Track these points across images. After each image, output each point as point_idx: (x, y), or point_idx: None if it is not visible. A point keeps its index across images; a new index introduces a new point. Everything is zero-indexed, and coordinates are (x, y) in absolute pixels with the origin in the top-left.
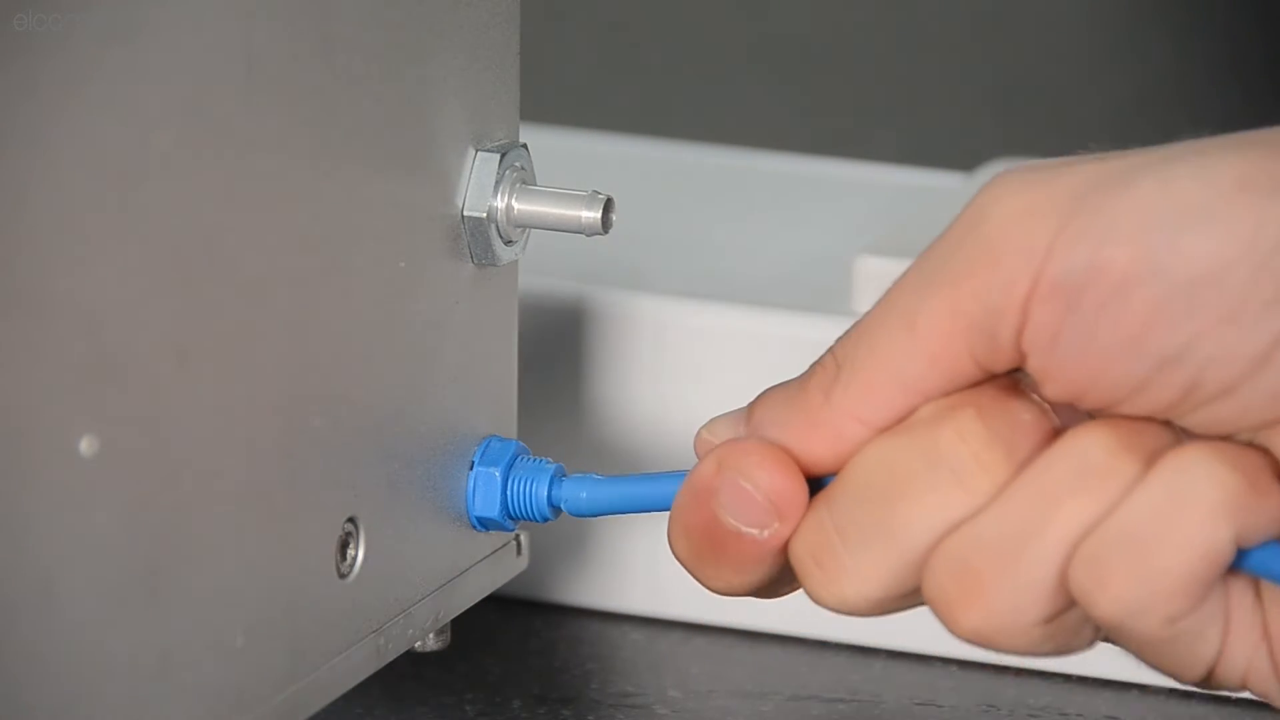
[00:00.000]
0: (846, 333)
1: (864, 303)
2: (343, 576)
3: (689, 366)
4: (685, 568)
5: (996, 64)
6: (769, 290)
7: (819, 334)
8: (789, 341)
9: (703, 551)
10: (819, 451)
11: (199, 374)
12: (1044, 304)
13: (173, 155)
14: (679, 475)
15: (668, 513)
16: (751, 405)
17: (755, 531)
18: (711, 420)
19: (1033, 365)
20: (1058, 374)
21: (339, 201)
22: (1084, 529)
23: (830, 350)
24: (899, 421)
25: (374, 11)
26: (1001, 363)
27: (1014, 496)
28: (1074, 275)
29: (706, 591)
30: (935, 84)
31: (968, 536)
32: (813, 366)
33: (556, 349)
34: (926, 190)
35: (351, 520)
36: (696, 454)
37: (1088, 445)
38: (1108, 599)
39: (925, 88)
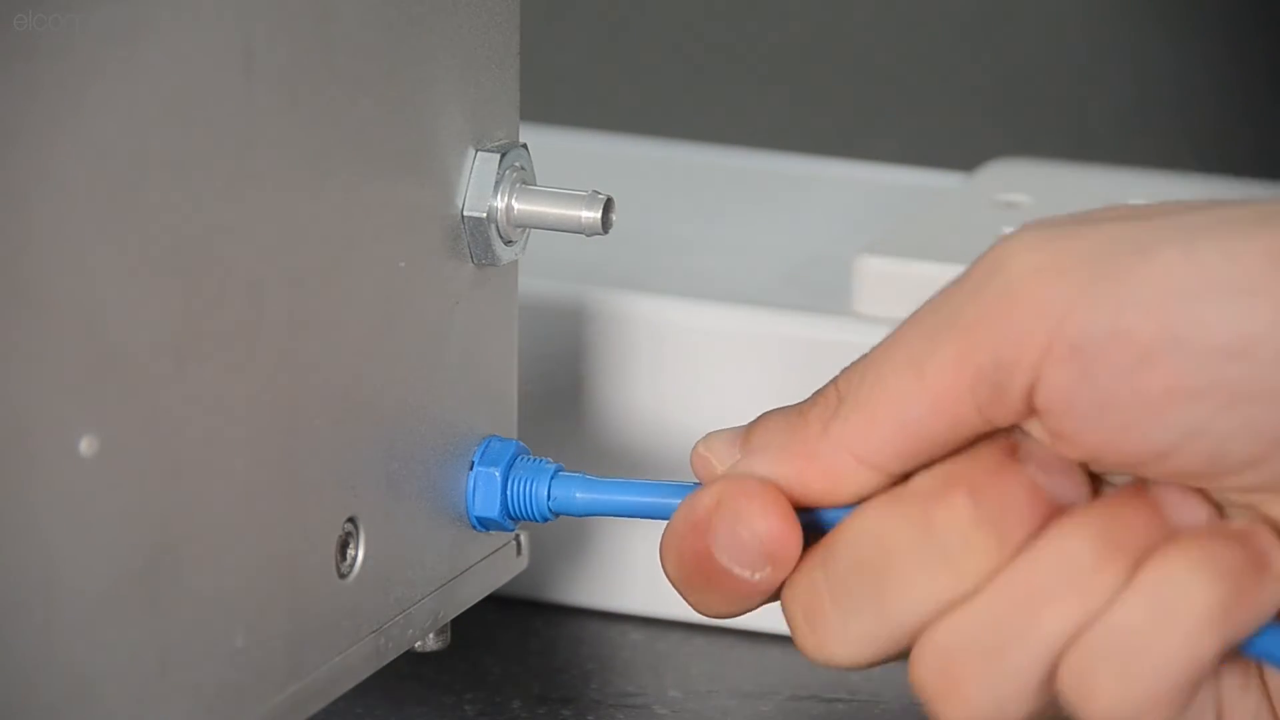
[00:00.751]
0: (851, 365)
1: (864, 303)
2: (343, 576)
3: (688, 366)
4: (674, 587)
5: (996, 64)
6: (769, 290)
7: (819, 334)
8: (789, 341)
9: (693, 579)
10: (812, 484)
11: (199, 374)
12: (1060, 365)
13: (173, 155)
14: (673, 487)
15: (660, 521)
16: (750, 427)
17: (746, 574)
18: (709, 436)
19: (1047, 425)
20: (1072, 437)
21: (339, 201)
22: (1070, 633)
23: (833, 381)
24: (894, 461)
25: (374, 11)
26: (1006, 416)
27: (999, 592)
28: (1093, 341)
29: None
30: (935, 84)
31: (953, 628)
32: (814, 396)
33: (556, 349)
34: (926, 190)
35: (351, 520)
36: (692, 468)
37: (1075, 546)
38: (1096, 710)
39: (925, 88)
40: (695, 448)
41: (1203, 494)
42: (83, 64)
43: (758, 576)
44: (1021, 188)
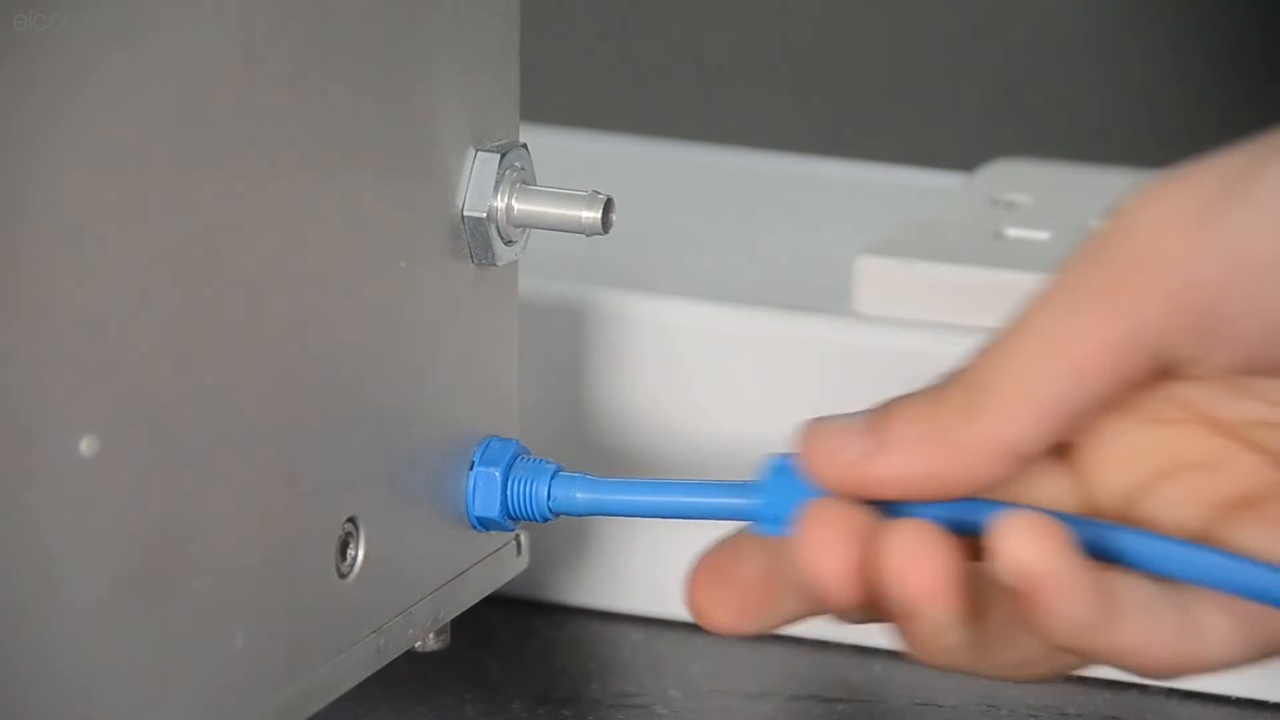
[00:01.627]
0: (984, 349)
1: (864, 303)
2: (343, 576)
3: (689, 366)
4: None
5: (996, 64)
6: (769, 290)
7: (819, 334)
8: (789, 341)
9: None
10: (953, 476)
11: (199, 374)
12: (1192, 304)
13: (173, 155)
14: (675, 485)
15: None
16: (882, 415)
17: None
18: (822, 423)
19: (1187, 367)
20: (1214, 360)
21: (339, 201)
22: None
23: (956, 374)
24: (1038, 446)
25: (374, 11)
26: (1149, 379)
27: None
28: (1219, 273)
29: None
30: (935, 84)
31: None
32: (939, 388)
33: (556, 349)
34: (926, 190)
35: (351, 520)
36: (805, 459)
37: None
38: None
39: (925, 88)
40: (811, 432)
41: None
42: (82, 64)
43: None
44: (1021, 188)
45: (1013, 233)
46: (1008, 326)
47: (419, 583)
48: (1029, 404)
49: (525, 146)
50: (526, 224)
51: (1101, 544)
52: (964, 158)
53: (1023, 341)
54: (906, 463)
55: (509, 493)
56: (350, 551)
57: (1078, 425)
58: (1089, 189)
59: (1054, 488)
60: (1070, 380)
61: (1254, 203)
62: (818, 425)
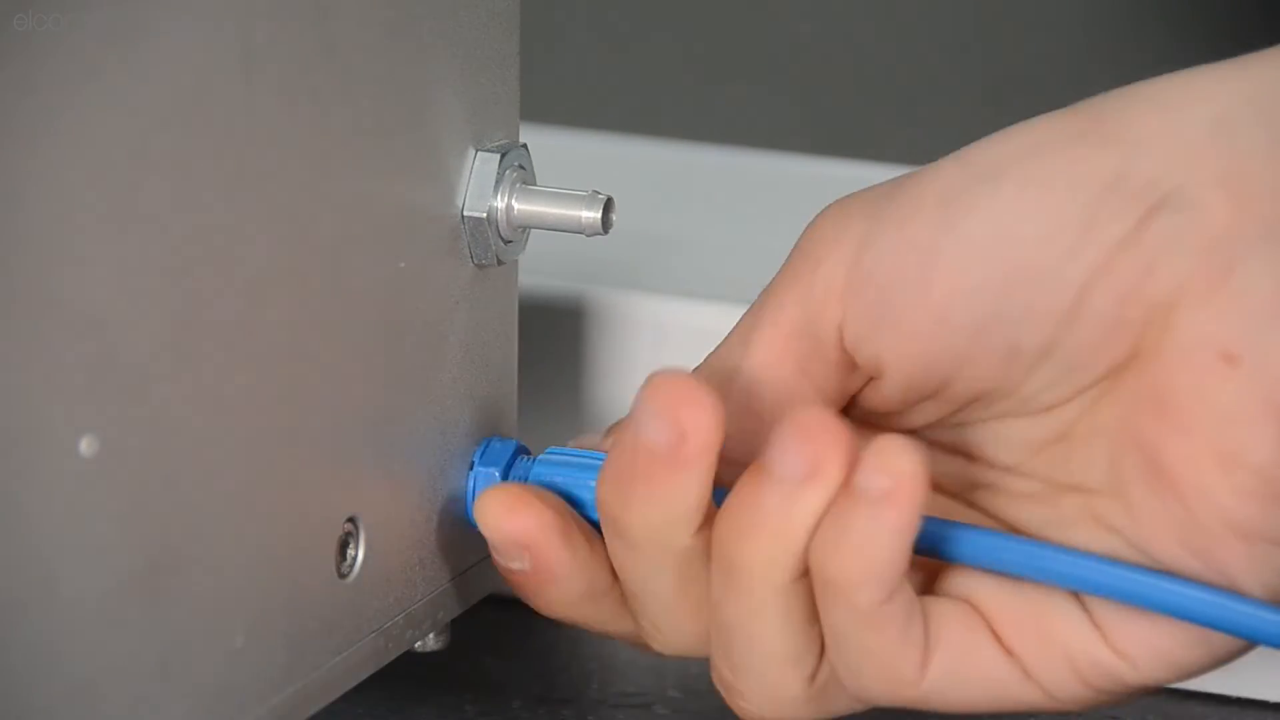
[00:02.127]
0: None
1: None
2: (343, 576)
3: (689, 366)
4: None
5: (996, 64)
6: None
7: None
8: None
9: (621, 471)
10: None
11: (198, 374)
12: (857, 292)
13: (172, 155)
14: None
15: None
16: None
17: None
18: (584, 435)
19: (862, 362)
20: (887, 364)
21: (338, 201)
22: (761, 629)
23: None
24: (731, 443)
25: (374, 11)
26: (828, 372)
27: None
28: (882, 260)
29: None
30: (935, 84)
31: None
32: None
33: (556, 349)
34: None
35: (351, 520)
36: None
37: (714, 542)
38: (853, 691)
39: (925, 88)
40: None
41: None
42: (82, 64)
43: (677, 445)
44: None
45: None
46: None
47: (419, 583)
48: (782, 330)
49: (525, 146)
50: (526, 224)
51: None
52: None
53: (724, 341)
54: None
55: None
56: (350, 551)
57: (771, 422)
58: None
59: None
60: (751, 373)
61: (919, 195)
62: (583, 434)
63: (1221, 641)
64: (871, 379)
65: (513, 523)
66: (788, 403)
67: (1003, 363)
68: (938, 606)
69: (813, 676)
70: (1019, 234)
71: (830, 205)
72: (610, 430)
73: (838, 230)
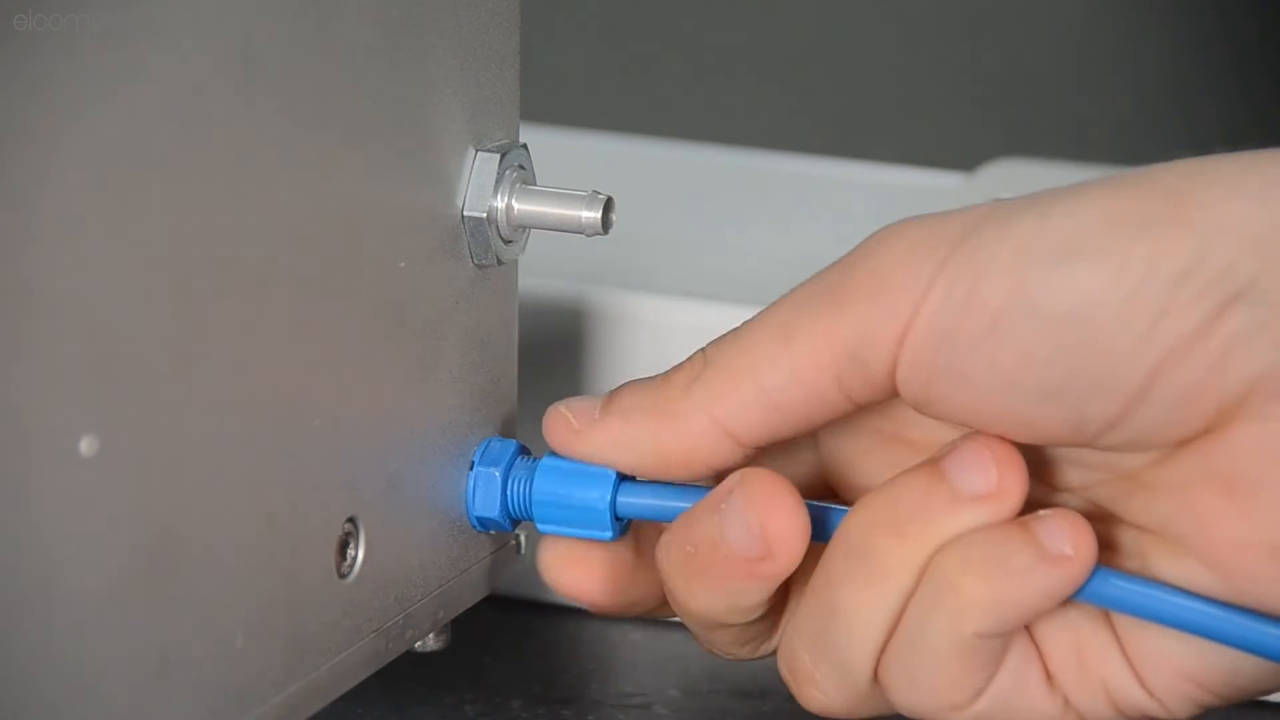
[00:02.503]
0: (723, 334)
1: None
2: (343, 576)
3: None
4: (668, 582)
5: (996, 64)
6: (769, 290)
7: None
8: None
9: (690, 564)
10: (669, 446)
11: (199, 374)
12: (920, 339)
13: (172, 155)
14: (674, 490)
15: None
16: (613, 391)
17: (749, 553)
18: (568, 400)
19: (909, 399)
20: (937, 409)
21: (338, 201)
22: (872, 613)
23: (702, 349)
24: (752, 430)
25: (374, 11)
26: (868, 393)
27: (814, 581)
28: (950, 311)
29: None
30: (935, 84)
31: (795, 621)
32: (682, 362)
33: (556, 349)
34: (926, 190)
35: (351, 520)
36: (545, 430)
37: (852, 527)
38: (896, 699)
39: (925, 88)
40: (553, 407)
41: (1027, 463)
42: (83, 64)
43: (759, 559)
44: (1021, 188)
45: None
46: (754, 316)
47: (419, 583)
48: (750, 386)
49: (525, 146)
50: (526, 224)
51: None
52: (964, 158)
53: (759, 329)
54: (623, 431)
55: (509, 493)
56: (350, 551)
57: (801, 425)
58: None
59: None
60: (788, 370)
61: (994, 250)
62: (557, 403)
63: (1246, 682)
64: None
65: (568, 578)
66: (818, 409)
67: (1068, 430)
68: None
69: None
70: (1094, 314)
71: (902, 229)
72: (686, 374)
73: (909, 265)
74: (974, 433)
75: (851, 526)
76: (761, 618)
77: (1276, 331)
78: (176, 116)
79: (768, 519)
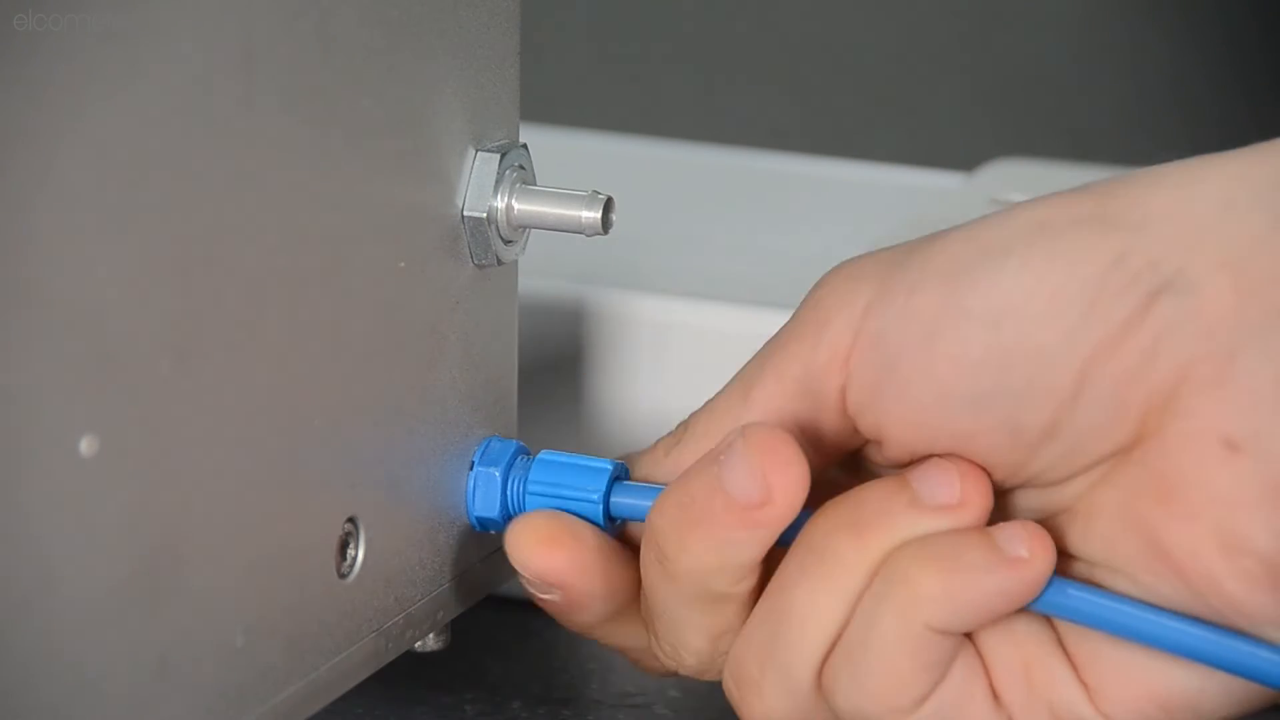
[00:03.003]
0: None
1: None
2: (343, 576)
3: (689, 366)
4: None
5: (996, 64)
6: (769, 290)
7: None
8: None
9: (689, 514)
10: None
11: (199, 374)
12: (863, 358)
13: (172, 156)
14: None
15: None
16: (688, 419)
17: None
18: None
19: (864, 427)
20: (888, 433)
21: (338, 201)
22: (822, 620)
23: (683, 421)
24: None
25: (374, 11)
26: (830, 430)
27: (769, 587)
28: (888, 326)
29: None
30: (935, 84)
31: (744, 630)
32: (725, 388)
33: (556, 349)
34: (926, 190)
35: (351, 520)
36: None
37: (812, 530)
38: (838, 704)
39: (925, 88)
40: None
41: (988, 487)
42: (83, 64)
43: (759, 505)
44: (1021, 188)
45: None
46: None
47: (419, 583)
48: (784, 387)
49: (525, 146)
50: (526, 224)
51: None
52: (964, 158)
53: (727, 391)
54: (694, 456)
55: (509, 493)
56: (350, 551)
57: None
58: None
59: None
60: (757, 417)
61: (927, 265)
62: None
63: (1210, 706)
64: (871, 442)
65: (545, 560)
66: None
67: (1006, 440)
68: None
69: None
70: (1022, 312)
71: (841, 265)
72: (667, 442)
73: (847, 293)
74: (941, 455)
75: (812, 529)
76: (727, 633)
77: (1205, 319)
78: (177, 117)
79: (769, 464)
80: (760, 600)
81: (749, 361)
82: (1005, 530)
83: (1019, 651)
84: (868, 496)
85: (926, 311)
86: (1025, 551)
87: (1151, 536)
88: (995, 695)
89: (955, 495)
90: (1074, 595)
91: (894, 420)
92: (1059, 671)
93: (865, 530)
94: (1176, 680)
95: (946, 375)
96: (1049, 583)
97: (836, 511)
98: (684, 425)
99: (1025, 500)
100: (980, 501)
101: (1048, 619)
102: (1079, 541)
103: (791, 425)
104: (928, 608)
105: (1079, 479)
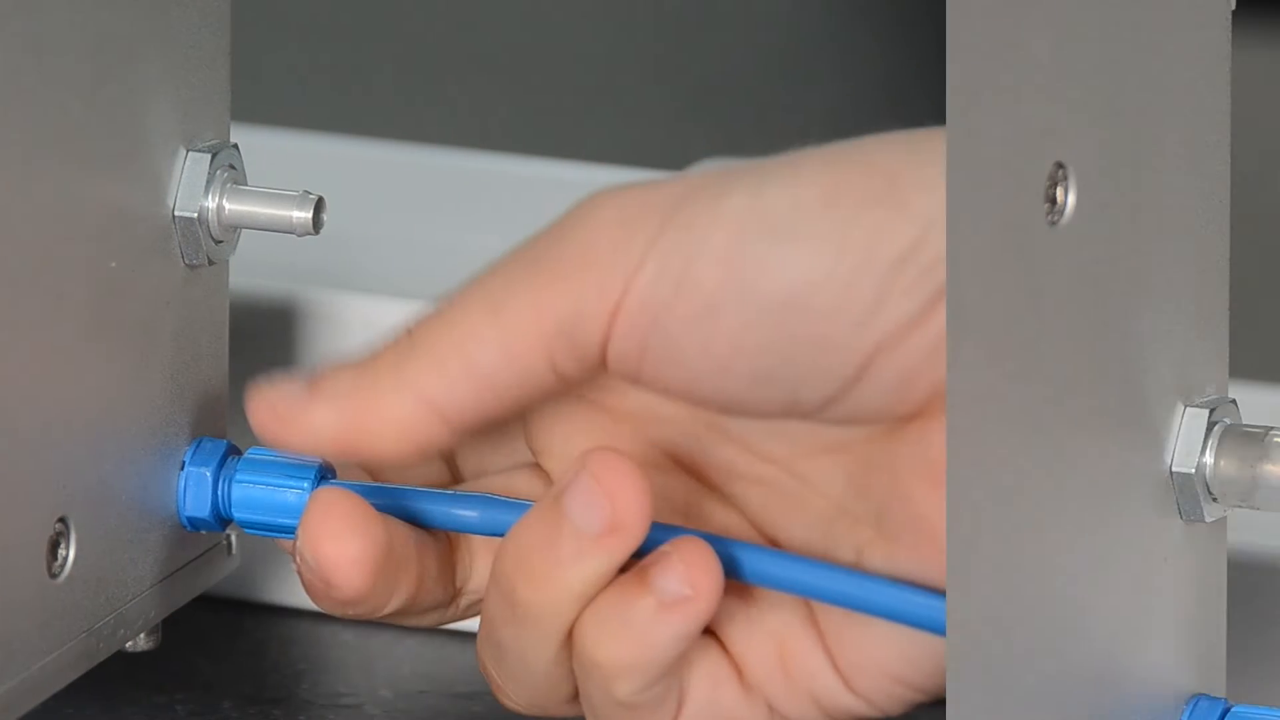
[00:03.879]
0: (428, 313)
1: None
2: (53, 577)
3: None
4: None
5: (707, 65)
6: None
7: None
8: None
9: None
10: (378, 431)
11: None
12: (632, 317)
13: None
14: (412, 491)
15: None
16: (318, 374)
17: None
18: (271, 385)
19: (619, 374)
20: (649, 385)
21: (48, 202)
22: (535, 659)
23: (406, 327)
24: (461, 411)
25: (83, 12)
26: (579, 370)
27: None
28: (664, 291)
29: None
30: (647, 85)
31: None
32: (378, 348)
33: (267, 349)
34: None
35: (62, 520)
36: (250, 417)
37: (498, 564)
38: None
39: (637, 88)
40: (255, 393)
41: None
42: None
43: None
44: None
45: None
46: (457, 291)
47: (131, 583)
48: (457, 365)
49: (236, 146)
50: (237, 224)
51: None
52: (675, 158)
53: (466, 304)
54: (331, 416)
55: (219, 493)
56: (61, 551)
57: (512, 405)
58: None
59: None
60: (498, 347)
61: (708, 229)
62: (261, 387)
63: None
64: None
65: (336, 549)
66: (530, 388)
67: (780, 408)
68: (688, 655)
69: (574, 696)
70: (810, 301)
71: (608, 198)
72: (317, 383)
73: (620, 237)
74: (596, 452)
75: (500, 564)
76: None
77: None
78: None
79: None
80: (484, 605)
81: (492, 275)
82: (662, 569)
83: (773, 642)
84: (531, 537)
85: (708, 286)
86: (688, 588)
87: (916, 508)
88: (749, 689)
89: (608, 518)
90: (758, 558)
91: (659, 380)
92: (815, 660)
93: (539, 579)
94: (914, 656)
95: (724, 353)
96: (735, 554)
97: (512, 551)
98: (410, 335)
99: (800, 431)
100: (635, 519)
101: (806, 608)
102: (849, 489)
103: (544, 360)
104: (621, 683)
105: (856, 430)
